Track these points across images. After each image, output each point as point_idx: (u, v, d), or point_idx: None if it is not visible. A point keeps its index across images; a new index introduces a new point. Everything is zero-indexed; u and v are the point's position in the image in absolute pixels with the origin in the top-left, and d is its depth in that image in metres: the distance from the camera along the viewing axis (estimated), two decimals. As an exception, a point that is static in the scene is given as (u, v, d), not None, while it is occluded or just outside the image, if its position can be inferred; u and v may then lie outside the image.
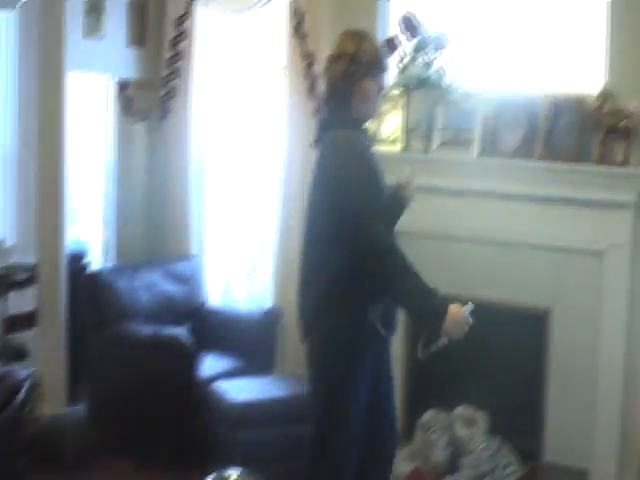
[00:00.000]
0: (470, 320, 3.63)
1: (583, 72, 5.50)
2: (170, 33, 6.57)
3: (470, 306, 3.65)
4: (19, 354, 5.59)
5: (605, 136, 5.19)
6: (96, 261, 6.53)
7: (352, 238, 3.61)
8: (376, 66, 3.84)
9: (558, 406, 5.49)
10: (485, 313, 5.51)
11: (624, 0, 5.25)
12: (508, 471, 5.27)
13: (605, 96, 5.18)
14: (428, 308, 3.61)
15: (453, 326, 3.59)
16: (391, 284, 3.67)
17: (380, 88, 3.90)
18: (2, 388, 4.49)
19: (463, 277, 5.60)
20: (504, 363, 5.61)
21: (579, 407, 5.42)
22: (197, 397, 5.55)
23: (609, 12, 5.32)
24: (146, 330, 5.75)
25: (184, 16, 6.50)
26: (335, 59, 3.86)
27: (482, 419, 5.47)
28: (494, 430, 5.46)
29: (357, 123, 3.87)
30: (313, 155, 5.93)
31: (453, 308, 3.59)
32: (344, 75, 3.79)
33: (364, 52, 3.81)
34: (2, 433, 4.37)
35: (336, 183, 3.68)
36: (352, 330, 3.80)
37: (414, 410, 5.77)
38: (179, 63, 6.59)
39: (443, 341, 3.66)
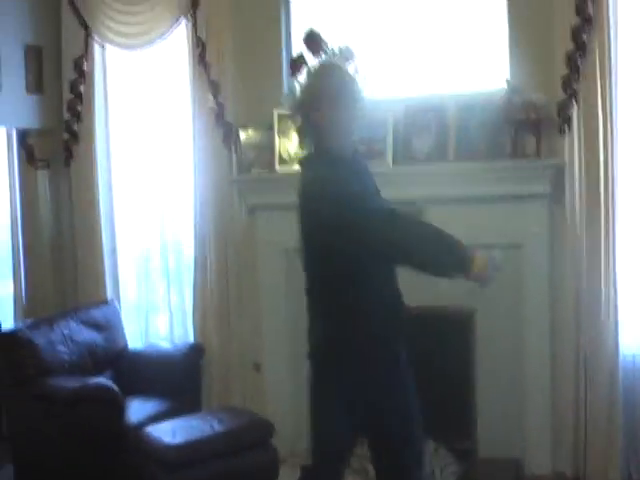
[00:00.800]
0: (499, 266, 3.61)
1: (487, 69, 5.71)
2: (69, 76, 6.58)
3: (498, 252, 3.68)
4: None
5: (515, 131, 5.38)
6: (7, 317, 6.46)
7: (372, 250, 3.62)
8: (335, 96, 3.77)
9: (488, 403, 5.63)
10: (410, 319, 5.68)
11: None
12: (448, 471, 5.35)
13: (512, 91, 5.37)
14: (454, 267, 3.59)
15: (481, 275, 3.55)
16: (422, 262, 3.67)
17: (348, 117, 3.81)
18: None
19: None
20: (433, 367, 5.63)
21: (509, 401, 5.57)
22: (129, 444, 5.44)
23: (507, 8, 5.58)
24: (71, 383, 5.66)
25: (82, 57, 6.53)
26: (302, 94, 3.90)
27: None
28: (428, 433, 5.49)
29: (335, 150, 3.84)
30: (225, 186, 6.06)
31: (478, 259, 3.54)
32: (309, 109, 3.80)
33: (322, 84, 3.81)
34: None
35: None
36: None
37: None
38: (80, 106, 6.60)
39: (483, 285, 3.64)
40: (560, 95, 5.33)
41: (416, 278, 5.52)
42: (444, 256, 3.57)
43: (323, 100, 3.69)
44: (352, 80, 3.85)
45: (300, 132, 3.92)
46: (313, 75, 3.94)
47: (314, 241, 3.75)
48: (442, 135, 5.58)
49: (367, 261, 3.67)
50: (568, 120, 5.32)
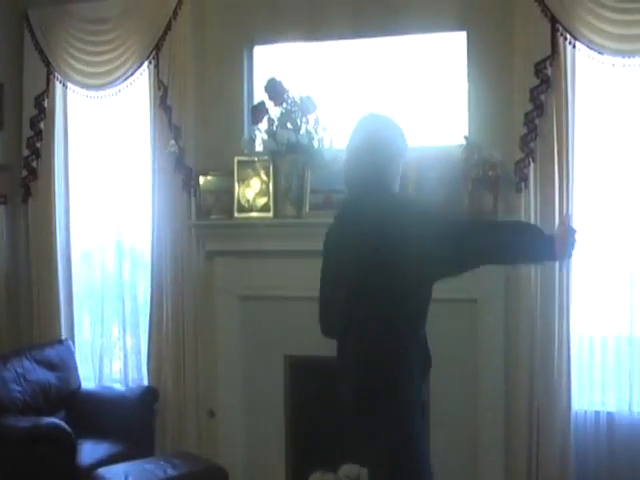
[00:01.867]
0: (576, 235, 3.72)
1: (446, 125, 5.83)
2: (29, 113, 6.63)
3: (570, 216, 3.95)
4: None
5: (473, 187, 5.49)
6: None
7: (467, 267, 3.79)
8: (406, 145, 4.05)
9: (442, 456, 5.59)
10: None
11: (480, 55, 5.66)
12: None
13: (470, 148, 5.49)
14: (546, 246, 3.66)
15: (564, 248, 3.66)
16: (524, 253, 3.79)
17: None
18: None
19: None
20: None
21: (462, 458, 5.69)
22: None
23: (467, 66, 5.72)
24: (24, 422, 5.68)
25: (43, 94, 6.58)
26: (380, 140, 3.97)
27: (367, 475, 5.58)
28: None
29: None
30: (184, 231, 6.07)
31: (559, 234, 3.67)
32: (393, 154, 4.01)
33: (402, 133, 4.03)
34: None
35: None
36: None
37: (299, 474, 5.91)
38: (39, 143, 6.64)
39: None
40: (518, 154, 5.46)
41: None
42: (536, 240, 3.68)
43: (399, 153, 3.97)
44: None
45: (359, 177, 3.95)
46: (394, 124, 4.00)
47: (371, 282, 3.75)
48: (401, 188, 5.64)
49: (422, 307, 3.79)
50: (525, 178, 5.45)
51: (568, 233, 3.67)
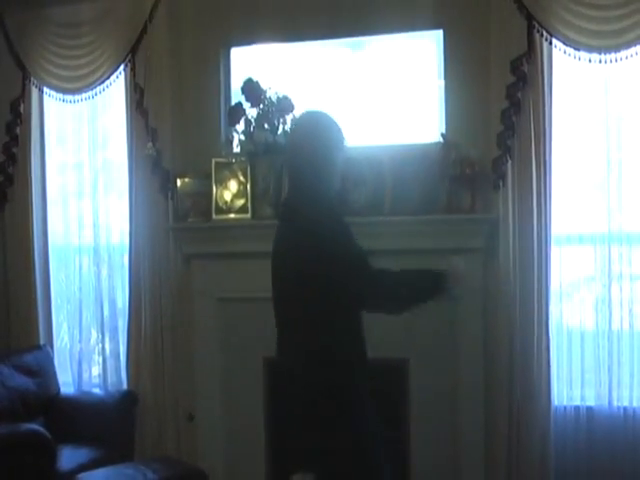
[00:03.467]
0: (465, 272, 3.84)
1: (422, 122, 5.88)
2: (4, 117, 6.64)
3: (459, 260, 3.88)
4: None
5: (451, 185, 5.54)
6: None
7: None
8: (341, 141, 3.93)
9: (422, 453, 5.76)
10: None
11: (457, 53, 5.72)
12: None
13: (447, 146, 5.54)
14: (437, 291, 3.77)
15: (455, 284, 3.78)
16: (407, 304, 3.84)
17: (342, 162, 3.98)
18: None
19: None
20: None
21: (442, 451, 5.72)
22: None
23: (443, 63, 5.78)
24: (2, 429, 5.67)
25: (19, 99, 6.60)
26: (304, 137, 3.91)
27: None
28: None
29: (328, 196, 3.92)
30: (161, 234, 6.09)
31: (447, 272, 3.78)
32: (317, 150, 3.84)
33: (332, 127, 3.92)
34: None
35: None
36: None
37: (279, 477, 5.86)
38: (16, 149, 6.66)
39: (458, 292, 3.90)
40: (495, 151, 5.51)
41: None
42: (425, 292, 3.78)
43: (330, 146, 3.84)
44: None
45: (292, 178, 3.93)
46: (316, 122, 3.92)
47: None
48: (378, 187, 5.71)
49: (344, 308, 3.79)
50: (502, 176, 5.50)
51: (459, 275, 3.78)
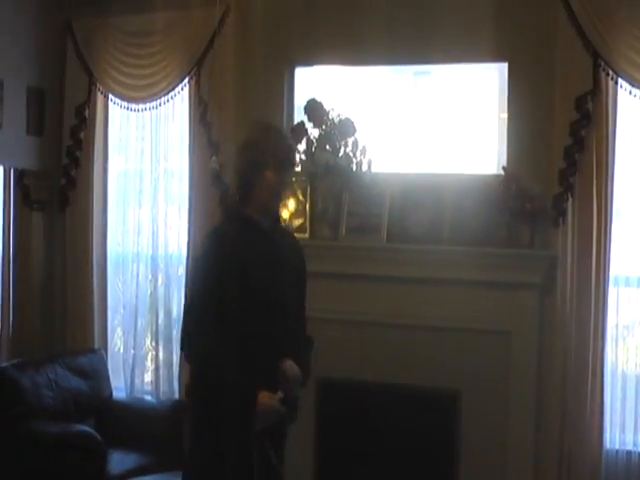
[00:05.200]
0: (281, 409, 3.73)
1: (485, 154, 5.93)
2: (70, 121, 6.78)
3: (280, 394, 3.75)
4: None
5: (510, 219, 5.58)
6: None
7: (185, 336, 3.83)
8: (282, 159, 3.85)
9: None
10: (395, 397, 5.87)
11: (521, 87, 5.73)
12: None
13: (510, 179, 5.57)
14: (237, 403, 3.72)
15: (264, 412, 3.69)
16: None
17: (284, 182, 3.95)
18: None
19: (373, 362, 5.91)
20: (417, 445, 5.89)
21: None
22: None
23: (508, 98, 5.79)
24: (53, 428, 5.80)
25: (84, 104, 6.74)
26: (242, 148, 3.90)
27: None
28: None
29: (247, 213, 3.87)
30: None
31: (262, 398, 3.68)
32: (249, 165, 3.82)
33: (271, 144, 3.83)
34: None
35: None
36: None
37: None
38: (79, 152, 6.80)
39: (258, 425, 3.73)
40: (556, 188, 5.53)
41: (402, 355, 5.80)
42: (229, 395, 3.71)
43: (271, 162, 3.79)
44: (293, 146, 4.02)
45: (238, 186, 3.93)
46: (265, 134, 3.91)
47: None
48: (438, 215, 5.76)
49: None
50: (563, 213, 5.51)
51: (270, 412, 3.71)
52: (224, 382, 3.70)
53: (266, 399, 3.68)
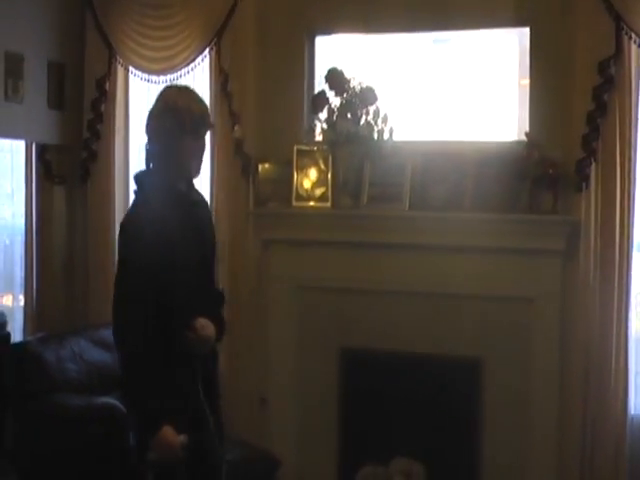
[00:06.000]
0: (179, 453, 3.58)
1: (506, 121, 5.93)
2: (90, 95, 6.82)
3: (183, 438, 3.61)
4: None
5: (533, 185, 5.58)
6: (16, 330, 6.67)
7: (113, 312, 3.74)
8: (198, 122, 3.77)
9: (494, 453, 5.82)
10: (417, 365, 5.90)
11: (543, 52, 5.73)
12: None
13: (532, 146, 5.57)
14: (139, 418, 3.68)
15: (159, 448, 3.58)
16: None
17: (202, 147, 3.86)
18: None
19: (396, 330, 5.96)
20: (439, 413, 5.93)
21: (514, 453, 5.75)
22: (134, 467, 5.63)
23: (530, 63, 5.79)
24: (77, 401, 5.83)
25: (105, 78, 6.77)
26: (158, 114, 3.78)
27: (420, 470, 5.77)
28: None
29: (171, 181, 3.79)
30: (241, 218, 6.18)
31: (166, 431, 3.56)
32: (167, 130, 3.72)
33: (187, 108, 3.73)
34: None
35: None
36: None
37: (350, 466, 6.07)
38: (100, 126, 6.83)
39: (153, 456, 3.63)
40: (579, 153, 5.52)
41: (425, 323, 5.85)
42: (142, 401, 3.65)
43: (188, 126, 3.72)
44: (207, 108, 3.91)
45: (148, 154, 3.85)
46: (180, 97, 3.80)
47: None
48: (459, 183, 5.77)
49: None
50: (586, 178, 5.50)
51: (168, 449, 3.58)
52: (136, 399, 3.65)
53: (169, 436, 3.56)
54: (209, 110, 3.95)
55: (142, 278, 3.61)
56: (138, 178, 3.86)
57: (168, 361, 3.69)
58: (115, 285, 3.76)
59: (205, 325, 3.75)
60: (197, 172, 3.87)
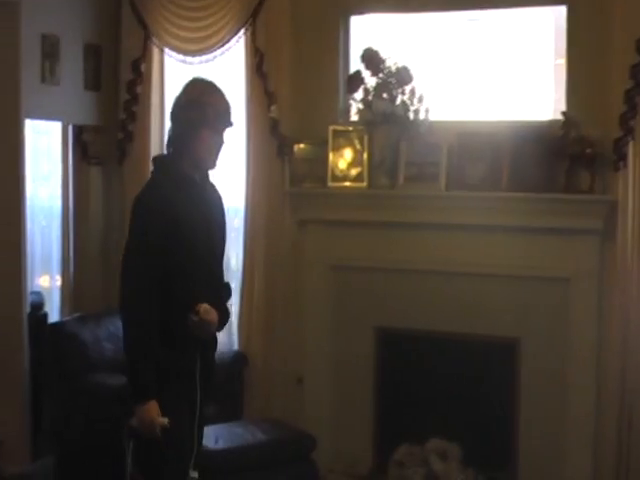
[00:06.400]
0: (157, 432, 3.76)
1: (543, 100, 5.90)
2: (126, 76, 6.86)
3: (165, 420, 3.77)
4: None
5: (570, 164, 5.56)
6: (53, 310, 6.74)
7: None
8: (221, 121, 3.91)
9: (530, 435, 5.81)
10: (454, 345, 5.91)
11: (580, 30, 5.69)
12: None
13: (569, 125, 5.54)
14: (132, 387, 3.84)
15: (141, 420, 3.77)
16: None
17: (221, 142, 3.96)
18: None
19: (432, 310, 5.98)
20: (475, 394, 5.95)
21: (551, 435, 5.74)
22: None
23: (567, 42, 5.75)
24: (115, 380, 5.84)
25: (140, 59, 6.80)
26: (184, 105, 3.91)
27: (456, 451, 5.78)
28: (467, 461, 5.78)
29: (184, 168, 3.93)
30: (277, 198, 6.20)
31: (151, 406, 3.76)
32: (189, 121, 3.85)
33: (213, 104, 3.88)
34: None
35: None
36: None
37: (386, 446, 6.09)
38: (135, 107, 6.87)
39: (134, 423, 3.82)
40: (616, 132, 5.47)
41: (462, 303, 5.85)
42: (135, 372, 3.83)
43: (211, 120, 3.85)
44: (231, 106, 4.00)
45: (169, 139, 3.99)
46: (203, 91, 3.94)
47: None
48: (496, 163, 5.75)
49: None
50: (624, 157, 5.46)
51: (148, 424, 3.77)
52: (132, 367, 3.82)
53: (152, 412, 3.75)
54: (231, 107, 4.01)
55: (147, 252, 3.78)
56: (155, 160, 4.09)
57: (169, 342, 3.84)
58: (123, 257, 3.91)
59: (208, 310, 3.86)
60: (213, 165, 4.01)
